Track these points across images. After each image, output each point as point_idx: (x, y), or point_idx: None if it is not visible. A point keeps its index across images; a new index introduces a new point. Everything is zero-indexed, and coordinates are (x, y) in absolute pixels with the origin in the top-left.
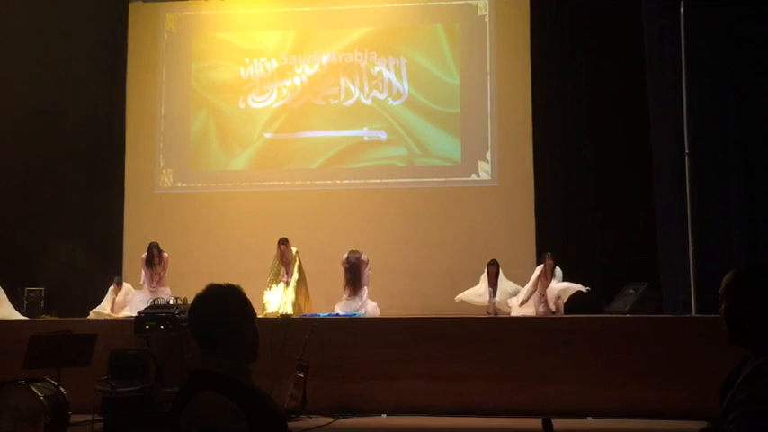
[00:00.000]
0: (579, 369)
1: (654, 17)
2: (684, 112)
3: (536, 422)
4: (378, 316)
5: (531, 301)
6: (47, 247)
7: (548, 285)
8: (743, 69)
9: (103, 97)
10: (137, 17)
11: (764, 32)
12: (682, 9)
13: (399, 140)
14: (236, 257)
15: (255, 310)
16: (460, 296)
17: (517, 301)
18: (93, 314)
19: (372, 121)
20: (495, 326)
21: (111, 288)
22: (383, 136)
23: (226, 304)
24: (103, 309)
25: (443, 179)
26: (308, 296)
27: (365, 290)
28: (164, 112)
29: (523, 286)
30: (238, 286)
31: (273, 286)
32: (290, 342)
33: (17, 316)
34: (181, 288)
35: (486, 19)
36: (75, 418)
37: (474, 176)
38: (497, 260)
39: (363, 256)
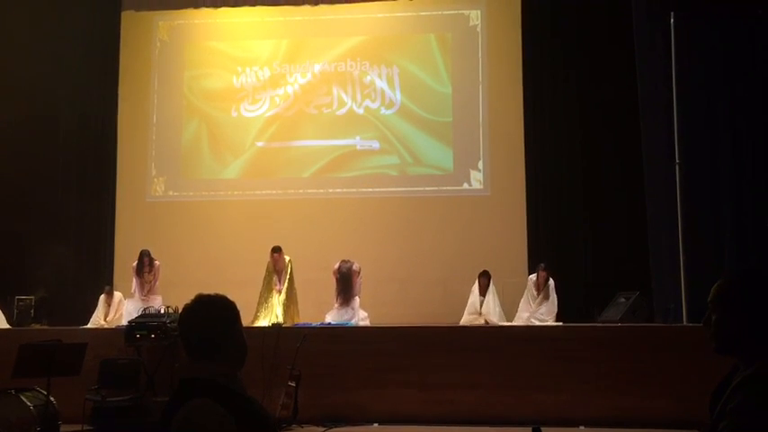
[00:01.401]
0: (571, 378)
1: (644, 28)
2: (675, 121)
3: None
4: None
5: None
6: (37, 255)
7: (539, 295)
8: (733, 79)
9: (96, 105)
10: (129, 26)
11: (754, 43)
12: (672, 20)
13: (392, 149)
14: (227, 266)
15: (245, 319)
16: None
17: (527, 316)
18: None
19: (365, 130)
20: (487, 335)
21: (102, 297)
22: (375, 145)
23: (214, 313)
24: (97, 321)
25: (435, 188)
26: (296, 308)
27: (356, 299)
28: (156, 120)
29: (509, 295)
30: (225, 296)
31: (266, 295)
32: (281, 351)
33: (6, 325)
34: (172, 297)
35: (479, 29)
36: (64, 428)
37: (466, 185)
38: (489, 271)
39: (355, 266)
